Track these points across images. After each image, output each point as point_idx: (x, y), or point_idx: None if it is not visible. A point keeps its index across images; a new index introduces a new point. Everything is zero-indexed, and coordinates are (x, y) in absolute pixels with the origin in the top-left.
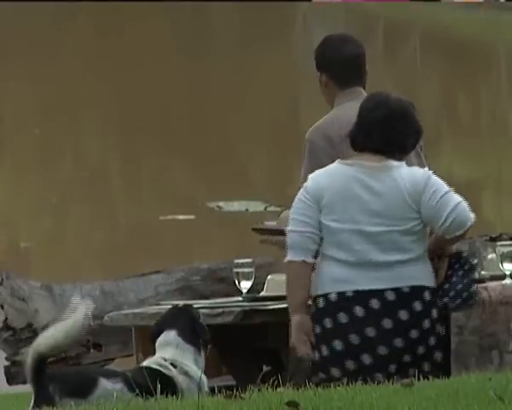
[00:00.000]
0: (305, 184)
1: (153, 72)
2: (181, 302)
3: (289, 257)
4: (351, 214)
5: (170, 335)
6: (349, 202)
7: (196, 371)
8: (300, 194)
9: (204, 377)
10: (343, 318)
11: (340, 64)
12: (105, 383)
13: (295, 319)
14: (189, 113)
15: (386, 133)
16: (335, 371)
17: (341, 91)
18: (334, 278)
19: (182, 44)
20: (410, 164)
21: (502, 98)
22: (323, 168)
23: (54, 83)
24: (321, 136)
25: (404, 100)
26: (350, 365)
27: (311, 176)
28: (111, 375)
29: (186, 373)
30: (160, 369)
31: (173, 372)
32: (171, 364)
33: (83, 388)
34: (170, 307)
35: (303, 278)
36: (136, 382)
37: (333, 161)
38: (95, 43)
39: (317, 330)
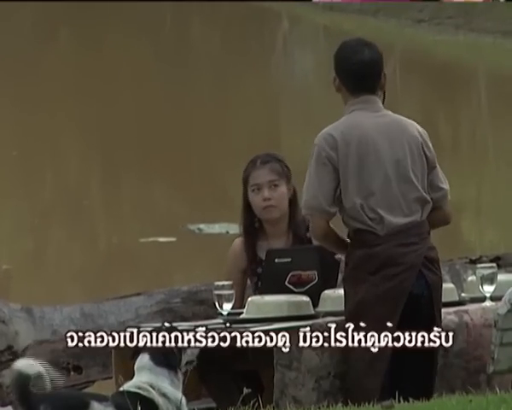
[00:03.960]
0: None
1: (133, 94)
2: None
3: None
4: None
5: (143, 359)
6: None
7: (174, 392)
8: None
9: (183, 399)
10: None
11: (349, 71)
12: (96, 406)
13: None
14: (169, 135)
15: None
16: None
17: (352, 99)
18: None
19: (162, 66)
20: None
21: (482, 121)
22: None
23: (32, 103)
24: (325, 139)
25: None
26: None
27: None
28: (102, 398)
29: (164, 395)
30: (140, 392)
31: (153, 394)
32: (150, 386)
33: (75, 409)
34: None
35: None
36: (123, 406)
37: (334, 166)
38: (74, 63)
39: None
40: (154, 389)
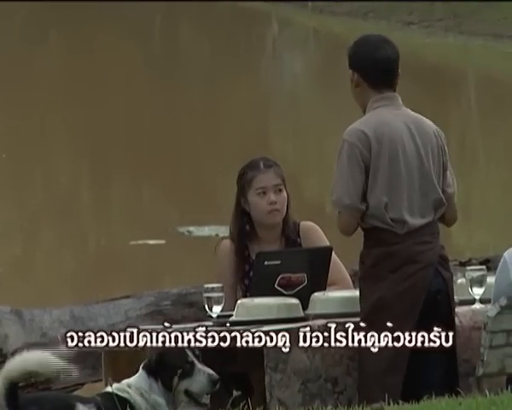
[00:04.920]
0: None
1: (123, 97)
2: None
3: None
4: None
5: None
6: None
7: (149, 393)
8: None
9: (161, 401)
10: None
11: (374, 67)
12: (81, 408)
13: None
14: (159, 138)
15: None
16: None
17: (376, 94)
18: None
19: (152, 69)
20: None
21: (471, 123)
22: None
23: (21, 105)
24: (358, 136)
25: None
26: None
27: None
28: (87, 401)
29: (142, 395)
30: (117, 392)
31: (130, 394)
32: (128, 385)
33: None
34: None
35: None
36: (106, 406)
37: (366, 163)
38: (64, 65)
39: None
40: (130, 388)
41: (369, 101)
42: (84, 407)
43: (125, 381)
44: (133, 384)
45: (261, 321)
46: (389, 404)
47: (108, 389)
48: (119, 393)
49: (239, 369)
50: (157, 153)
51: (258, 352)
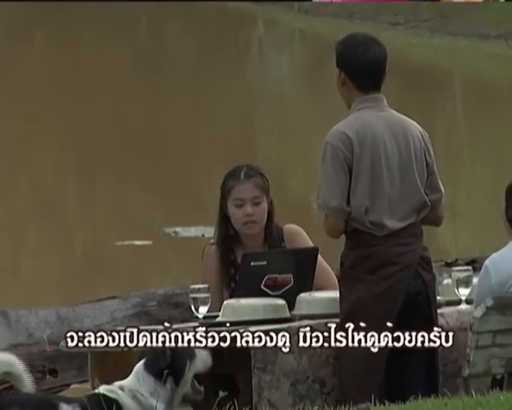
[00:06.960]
0: None
1: (109, 98)
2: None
3: None
4: None
5: (139, 363)
6: None
7: (148, 399)
8: None
9: (160, 406)
10: None
11: (361, 67)
12: (65, 407)
13: None
14: (145, 139)
15: None
16: None
17: (361, 95)
18: None
19: (138, 70)
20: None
21: (457, 124)
22: None
23: (7, 106)
24: (340, 138)
25: None
26: None
27: None
28: (70, 400)
29: (134, 397)
30: (106, 393)
31: (119, 396)
32: (121, 388)
33: None
34: None
35: None
36: (91, 407)
37: (349, 165)
38: (50, 66)
39: None
40: (123, 390)
41: (354, 100)
42: (68, 406)
43: (118, 383)
44: (126, 386)
45: (247, 322)
46: (375, 405)
47: (99, 390)
48: (108, 394)
49: (225, 370)
50: (143, 153)
51: (245, 353)
